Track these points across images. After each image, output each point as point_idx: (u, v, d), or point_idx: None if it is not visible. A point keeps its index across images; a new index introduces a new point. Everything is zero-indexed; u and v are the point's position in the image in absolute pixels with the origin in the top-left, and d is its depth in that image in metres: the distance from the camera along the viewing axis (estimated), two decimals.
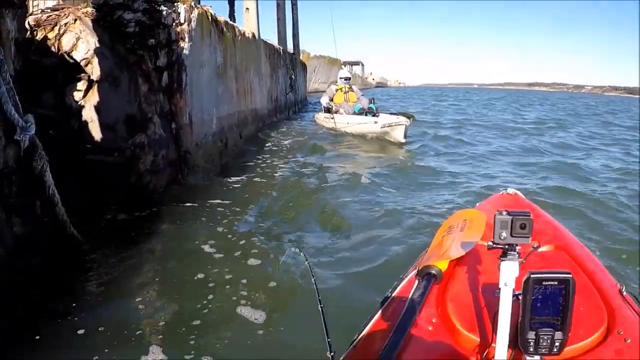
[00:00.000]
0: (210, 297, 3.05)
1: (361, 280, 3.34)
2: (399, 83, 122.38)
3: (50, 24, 4.40)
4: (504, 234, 1.26)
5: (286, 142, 9.96)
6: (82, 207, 3.76)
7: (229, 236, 4.10)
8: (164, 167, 5.14)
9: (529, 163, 8.15)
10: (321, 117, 12.37)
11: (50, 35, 4.35)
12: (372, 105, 11.21)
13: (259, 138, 9.89)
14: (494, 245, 1.29)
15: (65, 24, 4.41)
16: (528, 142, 11.01)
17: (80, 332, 2.58)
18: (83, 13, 4.39)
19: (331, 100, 11.94)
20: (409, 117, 10.09)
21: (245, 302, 3.01)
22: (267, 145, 9.30)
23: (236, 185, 5.88)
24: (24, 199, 3.05)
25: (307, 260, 2.27)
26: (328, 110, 11.82)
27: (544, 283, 1.20)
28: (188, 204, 4.81)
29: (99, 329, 2.61)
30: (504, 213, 1.27)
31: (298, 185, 6.16)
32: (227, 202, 5.01)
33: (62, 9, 4.54)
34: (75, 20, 4.39)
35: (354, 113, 11.25)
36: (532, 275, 1.19)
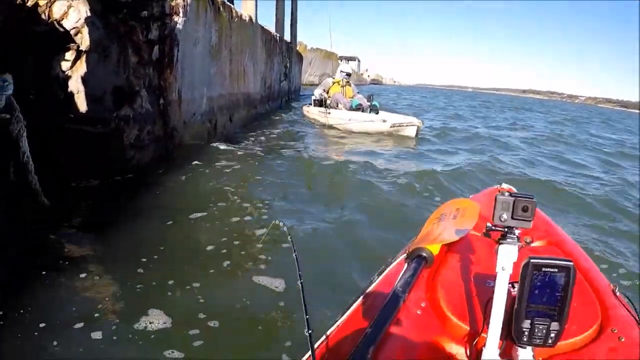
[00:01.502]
0: (179, 269, 3.00)
1: (348, 261, 3.31)
2: (394, 81, 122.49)
3: None
4: (504, 216, 1.21)
5: (276, 130, 9.86)
6: (57, 175, 3.70)
7: (211, 210, 4.08)
8: (149, 142, 5.05)
9: None
10: (313, 112, 11.69)
11: (42, 2, 4.23)
12: (375, 103, 10.84)
13: (250, 123, 9.81)
14: (493, 228, 1.24)
15: None
16: None
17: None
18: None
19: (326, 93, 11.43)
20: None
21: (223, 270, 3.01)
22: (257, 130, 9.21)
23: (222, 165, 5.79)
24: None
25: (289, 235, 2.25)
26: (321, 103, 11.26)
27: (543, 269, 1.13)
28: (171, 181, 4.79)
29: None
30: (506, 194, 1.22)
31: (285, 169, 6.11)
32: (212, 183, 4.96)
33: None
34: None
35: (351, 108, 10.71)
36: (532, 260, 1.13)
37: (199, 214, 3.91)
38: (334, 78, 11.59)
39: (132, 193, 4.27)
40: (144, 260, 3.02)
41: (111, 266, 2.99)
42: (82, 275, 2.81)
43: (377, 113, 10.45)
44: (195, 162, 5.65)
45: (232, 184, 4.95)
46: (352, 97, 11.13)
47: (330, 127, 10.53)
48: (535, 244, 1.96)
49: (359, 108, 10.63)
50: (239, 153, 6.68)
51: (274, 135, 9.09)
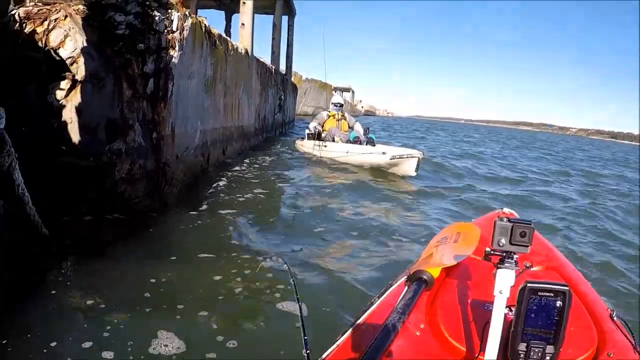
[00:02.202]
0: (183, 297, 2.98)
1: (345, 285, 3.33)
2: (387, 113, 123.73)
3: (40, 18, 4.24)
4: (502, 241, 1.24)
5: (270, 162, 9.81)
6: (50, 209, 3.60)
7: (203, 244, 4.04)
8: (141, 177, 4.92)
9: None
10: (307, 145, 11.31)
11: (39, 29, 4.18)
12: (371, 135, 10.69)
13: (243, 156, 9.71)
14: (492, 252, 1.27)
15: (56, 19, 4.25)
16: None
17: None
18: (74, 10, 4.24)
19: (321, 126, 11.26)
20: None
21: (219, 301, 2.97)
22: (250, 163, 9.10)
23: (215, 200, 5.74)
24: None
25: (285, 263, 2.23)
26: (317, 136, 11.03)
27: (539, 293, 1.17)
28: (162, 216, 4.71)
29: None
30: (505, 220, 1.25)
31: (279, 202, 6.12)
32: (206, 219, 4.87)
33: (54, 3, 4.38)
34: (66, 16, 4.23)
35: (349, 141, 10.44)
36: (528, 284, 1.17)
37: (197, 249, 3.86)
38: (329, 112, 11.41)
39: (126, 228, 4.17)
40: (149, 290, 3.02)
41: (117, 295, 2.94)
42: (89, 302, 2.79)
43: (373, 146, 10.17)
44: (189, 197, 5.56)
45: (227, 217, 4.95)
46: (348, 130, 11.00)
47: (327, 160, 10.22)
48: (535, 268, 1.99)
49: (356, 141, 10.34)
50: (233, 185, 6.62)
51: (267, 167, 9.05)
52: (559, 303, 1.17)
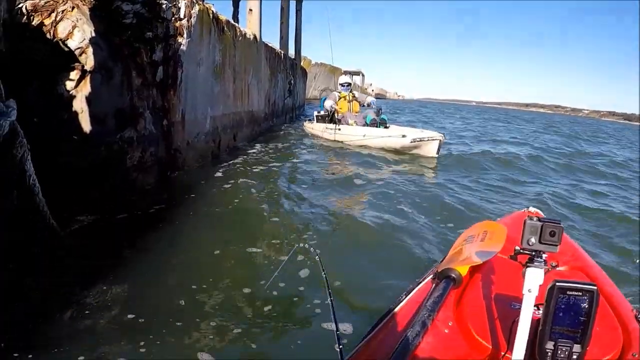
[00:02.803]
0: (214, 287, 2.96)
1: (375, 279, 3.25)
2: (398, 96, 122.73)
3: (47, 10, 4.27)
4: (532, 240, 1.26)
5: (282, 146, 9.75)
6: (60, 200, 3.61)
7: (227, 235, 3.98)
8: (152, 164, 5.00)
9: None
10: (319, 128, 11.11)
11: (47, 21, 4.22)
12: (384, 117, 10.48)
13: (254, 141, 9.71)
14: (521, 251, 1.29)
15: (63, 11, 4.28)
16: None
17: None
18: (81, 1, 4.27)
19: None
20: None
21: (250, 297, 2.92)
22: (262, 148, 9.08)
23: (227, 187, 5.64)
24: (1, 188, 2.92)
25: (317, 255, 2.19)
26: (331, 119, 10.87)
27: (568, 292, 1.19)
28: (175, 205, 4.66)
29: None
30: (535, 219, 1.27)
31: (297, 187, 6.02)
32: (218, 207, 4.81)
33: None
34: (73, 8, 4.26)
35: (365, 125, 10.20)
36: (557, 283, 1.19)
37: (217, 242, 3.77)
38: (339, 92, 11.22)
39: (142, 222, 4.10)
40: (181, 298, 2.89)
41: (148, 304, 2.81)
42: (117, 312, 2.68)
43: (386, 127, 10.07)
44: (201, 182, 5.58)
45: (243, 206, 4.85)
46: (359, 111, 10.92)
47: (341, 142, 10.10)
48: (561, 268, 2.01)
49: (373, 123, 10.15)
50: (246, 172, 6.57)
51: (280, 151, 9.04)
52: (586, 302, 1.18)
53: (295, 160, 8.08)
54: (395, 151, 9.23)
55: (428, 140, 8.82)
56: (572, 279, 1.31)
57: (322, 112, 11.54)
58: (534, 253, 1.27)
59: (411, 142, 8.93)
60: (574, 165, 10.10)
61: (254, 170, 6.61)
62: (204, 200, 4.93)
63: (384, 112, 10.92)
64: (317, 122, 11.44)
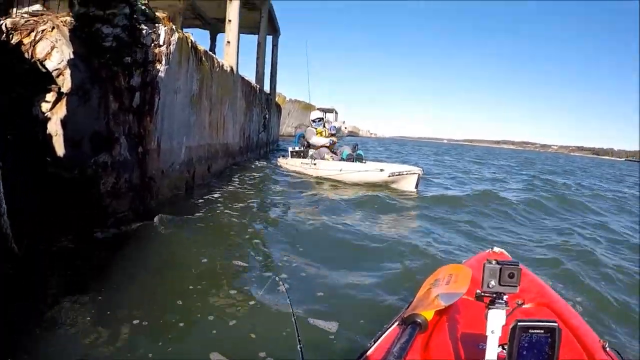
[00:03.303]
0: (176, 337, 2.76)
1: (346, 325, 3.10)
2: (371, 134, 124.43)
3: (27, 29, 4.19)
4: (492, 283, 1.32)
5: (256, 180, 9.62)
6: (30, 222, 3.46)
7: (191, 268, 3.79)
8: (126, 191, 4.84)
9: None
10: (294, 163, 11.15)
11: (26, 40, 4.13)
12: (360, 152, 10.47)
13: (228, 175, 9.59)
14: (482, 294, 1.35)
15: (42, 30, 4.20)
16: None
17: None
18: (62, 22, 4.20)
19: (307, 143, 11.18)
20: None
21: (215, 344, 2.71)
22: (235, 183, 8.94)
23: (199, 219, 5.49)
24: None
25: (288, 297, 2.12)
26: (303, 154, 10.97)
27: (530, 331, 1.22)
28: (149, 233, 4.51)
29: None
30: (493, 262, 1.33)
31: (268, 221, 5.89)
32: (190, 236, 4.68)
33: (42, 14, 4.34)
34: (53, 28, 4.19)
35: (342, 159, 10.22)
36: (519, 323, 1.22)
37: (187, 271, 3.67)
38: (315, 129, 11.24)
39: (116, 245, 3.99)
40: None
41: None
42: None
43: (362, 162, 10.02)
44: (175, 214, 5.40)
45: (215, 237, 4.77)
46: (337, 147, 10.86)
47: (318, 178, 10.05)
48: (527, 305, 2.04)
49: (350, 158, 10.15)
50: (222, 205, 6.42)
51: (253, 186, 8.87)
52: (549, 339, 1.22)
53: (270, 195, 7.94)
54: (372, 186, 9.18)
55: (407, 174, 8.83)
56: (537, 317, 1.46)
57: (296, 148, 11.61)
58: (494, 295, 1.33)
59: (389, 176, 8.91)
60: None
61: (230, 205, 6.41)
62: (176, 236, 4.71)
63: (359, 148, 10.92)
64: (291, 157, 11.46)
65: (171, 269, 3.71)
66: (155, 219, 4.70)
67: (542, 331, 1.22)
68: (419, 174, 8.77)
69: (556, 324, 1.23)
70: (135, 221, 4.69)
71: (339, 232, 5.42)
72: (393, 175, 8.90)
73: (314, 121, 11.32)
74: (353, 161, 10.08)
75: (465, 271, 1.96)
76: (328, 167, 10.01)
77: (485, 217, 7.23)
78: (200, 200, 6.48)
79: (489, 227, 6.51)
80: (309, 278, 3.90)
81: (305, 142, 11.35)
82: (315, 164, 10.30)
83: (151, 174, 5.35)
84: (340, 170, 9.70)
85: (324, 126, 11.31)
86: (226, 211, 5.93)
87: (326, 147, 10.79)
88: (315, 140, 11.00)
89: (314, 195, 8.10)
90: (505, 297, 1.33)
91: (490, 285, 1.32)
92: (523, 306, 1.97)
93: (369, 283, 3.89)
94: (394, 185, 9.01)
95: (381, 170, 9.13)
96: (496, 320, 1.32)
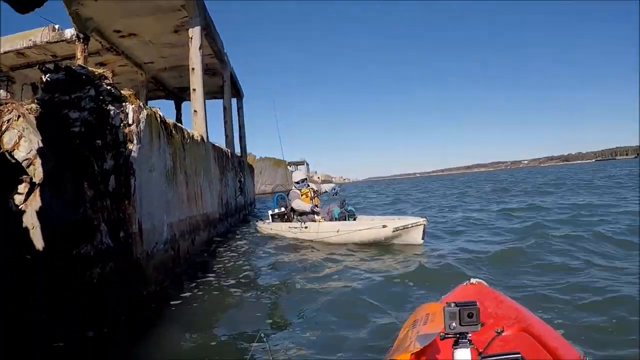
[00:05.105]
0: None
1: None
2: (344, 179, 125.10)
3: None
4: (453, 324, 1.39)
5: (242, 247, 9.38)
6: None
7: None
8: (113, 279, 4.53)
9: None
10: (279, 228, 10.45)
11: None
12: (351, 208, 9.78)
13: (212, 245, 9.31)
14: (446, 336, 1.43)
15: (8, 120, 4.02)
16: None
17: None
18: (27, 109, 4.02)
19: (289, 206, 10.53)
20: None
21: None
22: (222, 252, 8.67)
23: (190, 295, 5.31)
24: None
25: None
26: (288, 217, 10.41)
27: None
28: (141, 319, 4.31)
29: None
30: (452, 305, 1.41)
31: (260, 291, 5.63)
32: (184, 315, 4.51)
33: (6, 103, 4.14)
34: (19, 116, 4.01)
35: (335, 218, 9.45)
36: (483, 358, 1.35)
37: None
38: (299, 190, 10.37)
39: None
40: None
41: None
42: None
43: (354, 219, 9.38)
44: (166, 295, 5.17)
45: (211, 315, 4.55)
46: (325, 207, 10.11)
47: (309, 241, 9.25)
48: (506, 332, 2.09)
49: (342, 217, 9.41)
50: (210, 276, 6.27)
51: (241, 253, 8.61)
52: None
53: (264, 267, 7.36)
54: (369, 245, 8.52)
55: (412, 226, 8.15)
56: (515, 343, 1.56)
57: (276, 210, 11.16)
58: (458, 335, 1.41)
59: (393, 231, 8.21)
60: None
61: (224, 282, 6.12)
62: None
63: (347, 204, 10.20)
64: (273, 221, 10.95)
65: None
66: None
67: None
68: (424, 225, 8.16)
69: (519, 355, 1.34)
70: (126, 313, 4.40)
71: None
72: (397, 230, 8.21)
73: (297, 183, 10.49)
74: (346, 219, 9.40)
75: (441, 310, 1.88)
76: (322, 230, 9.29)
77: None
78: (189, 280, 6.17)
79: None
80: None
81: (289, 206, 10.62)
82: (306, 227, 9.62)
83: (136, 258, 5.06)
84: (338, 231, 8.97)
85: (308, 185, 10.57)
86: (211, 287, 5.73)
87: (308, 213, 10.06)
88: (298, 205, 10.19)
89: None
90: (468, 336, 1.39)
91: (452, 327, 1.39)
92: (503, 334, 2.04)
93: None
94: (397, 241, 8.34)
95: (384, 226, 8.38)
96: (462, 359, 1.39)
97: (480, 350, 1.39)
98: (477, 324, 1.37)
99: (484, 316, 1.50)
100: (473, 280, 2.60)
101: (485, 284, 2.58)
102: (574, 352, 1.87)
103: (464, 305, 1.39)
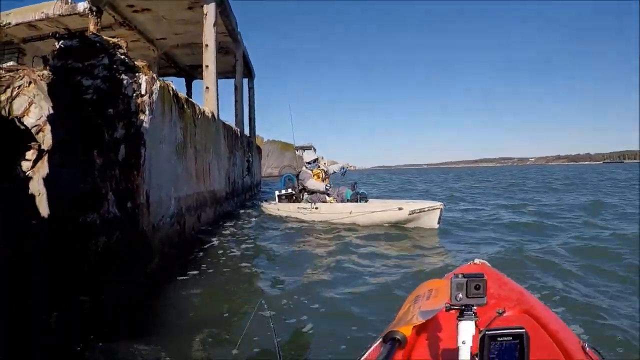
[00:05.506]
0: None
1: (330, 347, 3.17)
2: (350, 166, 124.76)
3: (3, 86, 3.96)
4: (460, 295, 1.38)
5: (247, 227, 9.34)
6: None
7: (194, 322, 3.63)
8: (118, 250, 4.53)
9: None
10: (288, 209, 10.30)
11: (2, 97, 3.90)
12: (363, 191, 9.90)
13: (218, 222, 9.30)
14: (451, 307, 1.42)
15: (19, 86, 3.97)
16: None
17: None
18: (39, 76, 3.97)
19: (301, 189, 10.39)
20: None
21: None
22: (227, 230, 8.66)
23: (194, 268, 5.32)
24: None
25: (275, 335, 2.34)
26: (296, 198, 10.33)
27: (498, 339, 1.31)
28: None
29: None
30: (460, 276, 1.39)
31: (265, 267, 5.68)
32: (186, 290, 4.49)
33: (17, 69, 4.10)
34: (30, 83, 3.96)
35: (347, 200, 9.46)
36: (487, 332, 1.31)
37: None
38: (310, 170, 10.34)
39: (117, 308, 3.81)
40: None
41: None
42: None
43: (366, 202, 9.39)
44: (169, 268, 5.18)
45: (212, 290, 4.56)
46: (338, 188, 10.03)
47: (326, 222, 9.15)
48: (507, 313, 2.10)
49: (354, 199, 9.44)
50: (213, 254, 6.22)
51: (246, 232, 8.61)
52: (518, 345, 1.30)
53: (269, 245, 7.32)
54: (379, 226, 8.58)
55: (428, 210, 8.20)
56: (516, 323, 1.46)
57: (283, 191, 11.09)
58: (463, 307, 1.39)
59: (410, 214, 8.28)
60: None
61: (229, 258, 6.11)
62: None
63: (357, 186, 10.22)
64: (280, 202, 10.88)
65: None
66: None
67: (511, 338, 1.30)
68: (441, 209, 8.19)
69: (523, 330, 1.30)
70: (130, 283, 4.40)
71: None
72: (414, 213, 8.27)
73: (309, 163, 10.49)
74: (357, 201, 9.42)
75: (444, 286, 1.92)
76: (334, 211, 9.32)
77: None
78: (192, 255, 6.14)
79: None
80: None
81: (300, 186, 10.54)
82: (317, 208, 9.60)
83: (142, 229, 5.05)
84: (350, 212, 9.02)
85: (319, 167, 10.54)
86: (216, 263, 5.68)
87: (323, 192, 10.02)
88: (313, 184, 10.16)
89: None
90: (474, 308, 1.38)
91: (458, 298, 1.38)
92: (504, 315, 2.06)
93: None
94: (412, 224, 8.39)
95: (399, 208, 8.48)
96: (466, 331, 1.37)
97: (482, 329, 1.36)
98: (483, 297, 1.37)
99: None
100: (477, 261, 2.62)
101: (489, 264, 2.59)
102: (573, 337, 1.88)
103: (471, 277, 1.38)
